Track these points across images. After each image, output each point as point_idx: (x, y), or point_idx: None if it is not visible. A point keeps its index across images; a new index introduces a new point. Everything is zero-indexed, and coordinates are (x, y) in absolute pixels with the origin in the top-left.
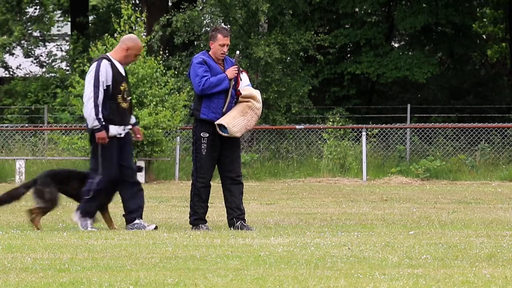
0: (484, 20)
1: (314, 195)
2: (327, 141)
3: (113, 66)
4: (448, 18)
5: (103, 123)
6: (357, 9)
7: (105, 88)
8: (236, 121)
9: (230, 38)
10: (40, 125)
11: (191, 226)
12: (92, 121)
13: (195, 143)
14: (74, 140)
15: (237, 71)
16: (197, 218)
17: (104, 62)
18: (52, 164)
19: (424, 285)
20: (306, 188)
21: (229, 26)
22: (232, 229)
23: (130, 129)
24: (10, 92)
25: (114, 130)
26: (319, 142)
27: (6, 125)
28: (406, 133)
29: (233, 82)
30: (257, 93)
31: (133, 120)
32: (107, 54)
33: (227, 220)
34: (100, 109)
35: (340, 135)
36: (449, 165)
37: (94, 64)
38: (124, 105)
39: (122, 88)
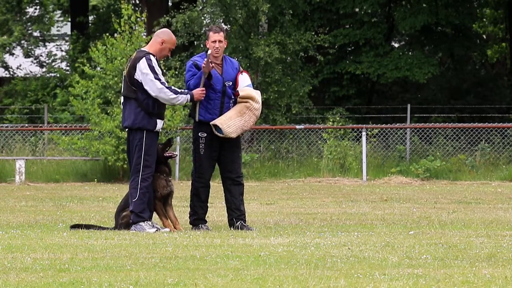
0: (484, 20)
1: (314, 195)
2: (327, 141)
3: (157, 60)
4: (448, 18)
5: (186, 91)
6: (357, 9)
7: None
8: (231, 121)
9: (224, 34)
10: (40, 125)
11: (191, 226)
12: (181, 100)
13: (194, 143)
14: (74, 140)
15: (209, 67)
16: (197, 218)
17: (151, 57)
18: (52, 164)
19: (424, 285)
20: (306, 188)
21: (229, 26)
22: (232, 229)
23: None
24: (10, 92)
25: (160, 124)
26: (319, 142)
27: (6, 125)
28: (406, 133)
29: (230, 83)
30: (256, 94)
31: None
32: (143, 49)
33: (227, 220)
34: (173, 88)
35: (340, 135)
36: (449, 165)
37: (144, 60)
38: None
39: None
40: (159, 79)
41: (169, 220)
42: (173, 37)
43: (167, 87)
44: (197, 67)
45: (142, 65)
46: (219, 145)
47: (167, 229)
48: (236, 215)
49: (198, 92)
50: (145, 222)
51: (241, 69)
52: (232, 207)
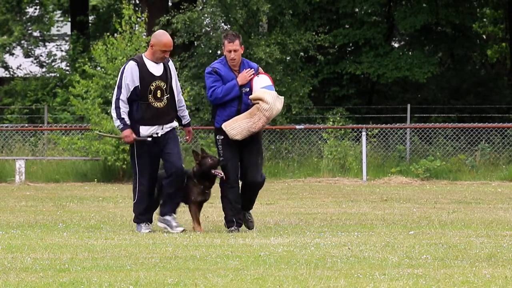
0: (484, 20)
1: (314, 195)
2: (327, 141)
3: (141, 66)
4: (448, 18)
5: (126, 122)
6: (357, 9)
7: (132, 89)
8: (237, 123)
9: (239, 41)
10: (40, 125)
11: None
12: (115, 121)
13: (216, 147)
14: (74, 140)
15: (251, 76)
16: (228, 220)
17: (130, 64)
18: (52, 164)
19: (424, 285)
20: (306, 188)
21: (229, 26)
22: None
23: (180, 128)
24: (10, 92)
25: (145, 130)
26: (319, 142)
27: (6, 125)
28: (406, 133)
29: (247, 89)
30: (265, 94)
31: (185, 119)
32: (142, 54)
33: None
34: (122, 110)
35: (340, 135)
36: (449, 165)
37: (123, 67)
38: (158, 104)
39: (152, 87)
40: (117, 93)
41: (200, 226)
42: (162, 39)
43: (116, 107)
44: (217, 74)
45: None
46: (240, 144)
47: (179, 229)
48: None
49: (242, 75)
50: (144, 223)
51: (260, 71)
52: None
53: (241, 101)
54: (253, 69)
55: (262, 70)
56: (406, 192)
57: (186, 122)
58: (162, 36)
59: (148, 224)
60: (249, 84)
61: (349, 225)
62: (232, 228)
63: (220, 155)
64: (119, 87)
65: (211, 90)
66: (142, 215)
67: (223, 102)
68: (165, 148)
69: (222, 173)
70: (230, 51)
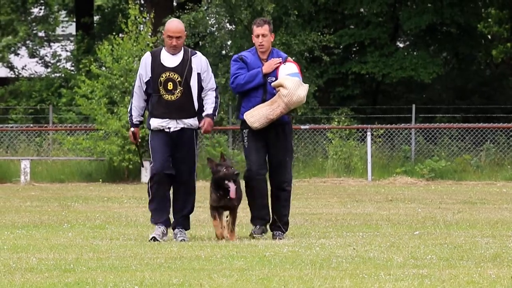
0: (489, 20)
1: (319, 195)
2: (332, 141)
3: (155, 57)
4: (453, 18)
5: (133, 120)
6: (362, 10)
7: (145, 80)
8: (256, 111)
9: (270, 27)
10: (45, 125)
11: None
12: (128, 117)
13: (241, 140)
14: (79, 141)
15: (277, 64)
16: (253, 216)
17: (145, 55)
18: (57, 164)
19: (429, 285)
20: (311, 188)
21: (234, 27)
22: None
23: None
24: (15, 92)
25: (156, 122)
26: (324, 142)
27: (11, 125)
28: (411, 133)
29: (273, 78)
30: (286, 80)
31: (206, 110)
32: (163, 46)
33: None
34: (133, 105)
35: (345, 135)
36: (454, 165)
37: None
38: (169, 97)
39: (162, 79)
40: (133, 84)
41: (217, 221)
42: (167, 25)
43: (132, 98)
44: (243, 61)
45: None
46: (266, 140)
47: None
48: (273, 222)
49: (268, 64)
50: (157, 225)
51: (288, 59)
52: (273, 212)
53: (265, 90)
54: (281, 58)
55: (290, 59)
56: (411, 192)
57: (205, 113)
58: (168, 23)
59: (163, 227)
60: (275, 73)
61: (354, 225)
62: (255, 230)
63: (245, 146)
64: (137, 80)
65: (234, 77)
66: (153, 215)
67: (247, 92)
68: (177, 152)
69: (233, 189)
70: (258, 36)
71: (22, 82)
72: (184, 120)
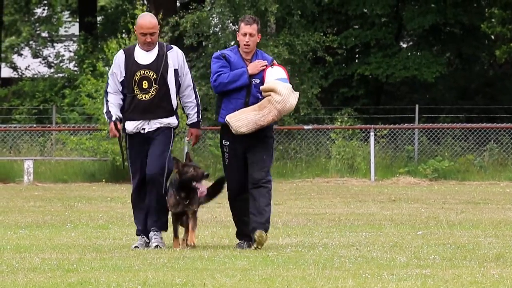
0: (493, 20)
1: (322, 196)
2: (335, 141)
3: (128, 55)
4: (457, 18)
5: (111, 116)
6: (365, 10)
7: (120, 80)
8: (243, 115)
9: (258, 26)
10: (48, 125)
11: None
12: (105, 117)
13: (221, 150)
14: (82, 141)
15: (263, 66)
16: (236, 232)
17: (117, 54)
18: (60, 165)
19: (432, 285)
20: (314, 188)
21: (237, 27)
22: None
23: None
24: (18, 92)
25: (130, 125)
26: (328, 142)
27: (15, 125)
28: (414, 134)
29: (257, 80)
30: (279, 85)
31: (190, 118)
32: (137, 43)
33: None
34: (110, 102)
35: (348, 135)
36: (457, 166)
37: None
38: (143, 96)
39: (137, 77)
40: (106, 86)
41: (177, 240)
42: (138, 21)
43: (105, 100)
44: (226, 59)
45: None
46: (243, 151)
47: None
48: (255, 221)
49: (254, 64)
50: (140, 236)
51: (274, 63)
52: (253, 212)
53: (249, 92)
54: (266, 61)
55: (277, 63)
56: (414, 192)
57: (190, 122)
58: (140, 18)
59: (143, 237)
60: (260, 75)
61: (357, 226)
62: (240, 243)
63: (225, 163)
64: (109, 79)
65: (216, 75)
66: (136, 223)
67: (229, 93)
68: (149, 149)
69: (203, 189)
70: (245, 34)
71: (26, 82)
72: (160, 120)
